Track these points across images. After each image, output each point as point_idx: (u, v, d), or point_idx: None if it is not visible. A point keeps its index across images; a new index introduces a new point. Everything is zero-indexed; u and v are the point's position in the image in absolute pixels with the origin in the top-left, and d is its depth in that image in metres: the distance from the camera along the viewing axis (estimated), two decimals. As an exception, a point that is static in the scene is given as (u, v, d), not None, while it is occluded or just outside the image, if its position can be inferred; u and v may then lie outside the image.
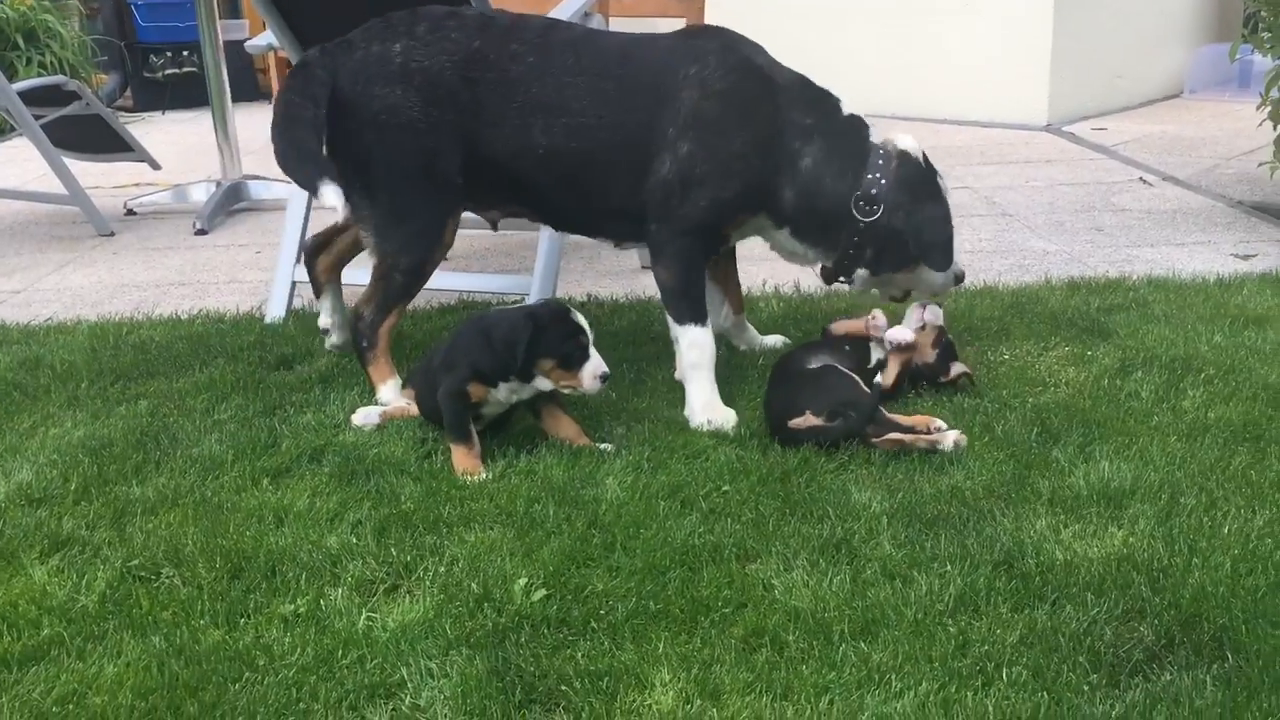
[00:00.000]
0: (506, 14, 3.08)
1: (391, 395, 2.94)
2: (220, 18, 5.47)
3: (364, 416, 2.80)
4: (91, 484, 2.51)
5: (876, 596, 2.02)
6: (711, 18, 5.80)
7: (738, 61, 2.87)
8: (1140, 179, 5.41)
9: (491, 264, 4.38)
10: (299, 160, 2.76)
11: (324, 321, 3.30)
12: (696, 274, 2.88)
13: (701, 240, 2.88)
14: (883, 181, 2.80)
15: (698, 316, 2.86)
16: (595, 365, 2.58)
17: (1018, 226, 4.65)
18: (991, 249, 4.33)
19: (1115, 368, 2.97)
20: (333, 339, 3.29)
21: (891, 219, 2.81)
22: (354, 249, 3.33)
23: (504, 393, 2.61)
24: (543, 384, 2.59)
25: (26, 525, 2.34)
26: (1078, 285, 3.73)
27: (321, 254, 3.30)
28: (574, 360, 2.56)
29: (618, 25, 4.55)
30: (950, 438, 2.53)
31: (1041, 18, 6.65)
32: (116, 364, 3.24)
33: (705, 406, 2.78)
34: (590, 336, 2.59)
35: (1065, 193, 5.20)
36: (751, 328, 3.31)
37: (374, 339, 2.95)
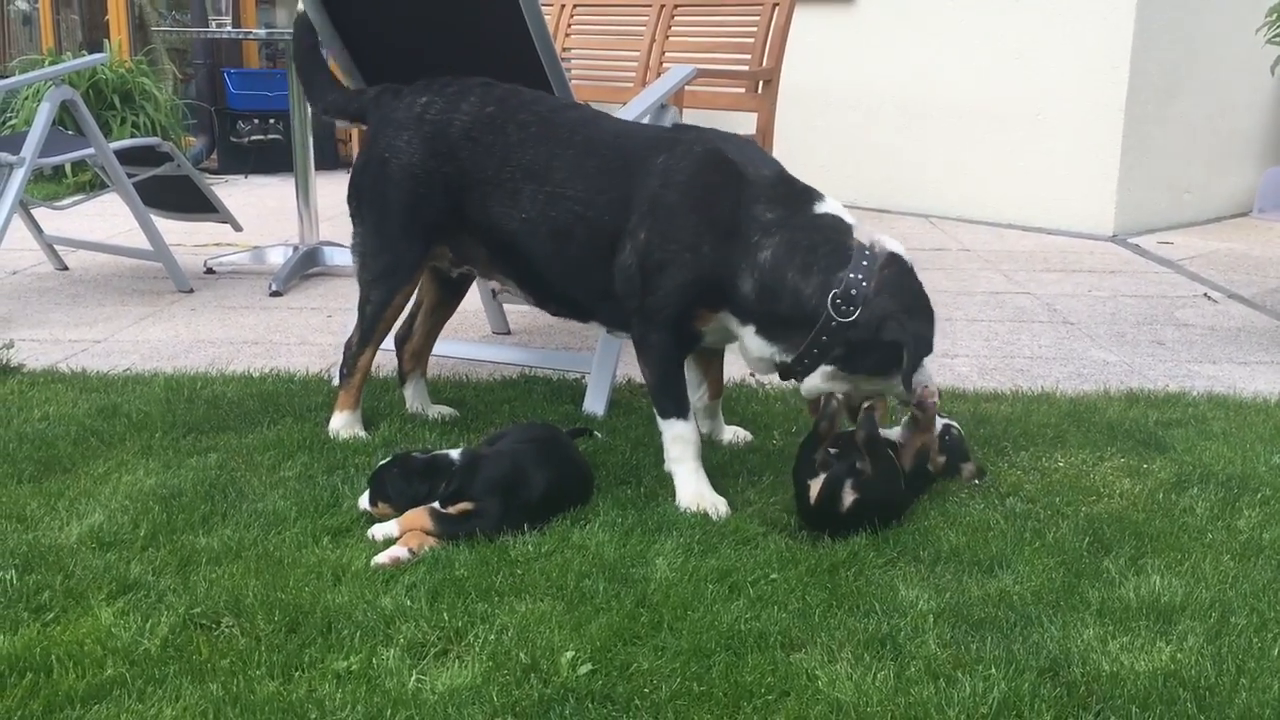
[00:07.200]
0: (535, 91, 3.21)
1: (340, 425, 3.19)
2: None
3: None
4: (160, 531, 2.60)
5: (920, 695, 2.02)
6: (783, 116, 5.93)
7: (705, 153, 2.86)
8: (1205, 295, 5.40)
9: (554, 340, 4.47)
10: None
11: (411, 408, 3.47)
12: (674, 370, 2.92)
13: (674, 336, 2.89)
14: (864, 283, 2.69)
15: (680, 411, 2.90)
16: None
17: (1079, 335, 4.66)
18: (1051, 356, 4.35)
19: (1171, 482, 2.97)
20: (428, 414, 3.45)
21: (876, 323, 2.69)
22: (431, 337, 3.50)
23: None
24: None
25: (96, 567, 2.42)
26: (1137, 397, 3.73)
27: (406, 343, 3.46)
28: None
29: (690, 119, 4.66)
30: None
31: (1111, 131, 6.71)
32: (189, 416, 3.36)
33: (694, 497, 2.81)
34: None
35: (1128, 304, 5.21)
36: (720, 417, 3.32)
37: (353, 368, 3.26)
